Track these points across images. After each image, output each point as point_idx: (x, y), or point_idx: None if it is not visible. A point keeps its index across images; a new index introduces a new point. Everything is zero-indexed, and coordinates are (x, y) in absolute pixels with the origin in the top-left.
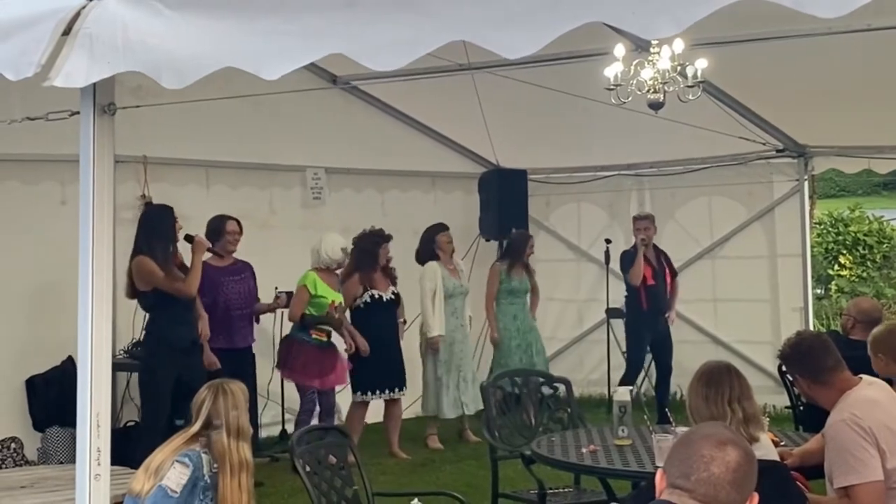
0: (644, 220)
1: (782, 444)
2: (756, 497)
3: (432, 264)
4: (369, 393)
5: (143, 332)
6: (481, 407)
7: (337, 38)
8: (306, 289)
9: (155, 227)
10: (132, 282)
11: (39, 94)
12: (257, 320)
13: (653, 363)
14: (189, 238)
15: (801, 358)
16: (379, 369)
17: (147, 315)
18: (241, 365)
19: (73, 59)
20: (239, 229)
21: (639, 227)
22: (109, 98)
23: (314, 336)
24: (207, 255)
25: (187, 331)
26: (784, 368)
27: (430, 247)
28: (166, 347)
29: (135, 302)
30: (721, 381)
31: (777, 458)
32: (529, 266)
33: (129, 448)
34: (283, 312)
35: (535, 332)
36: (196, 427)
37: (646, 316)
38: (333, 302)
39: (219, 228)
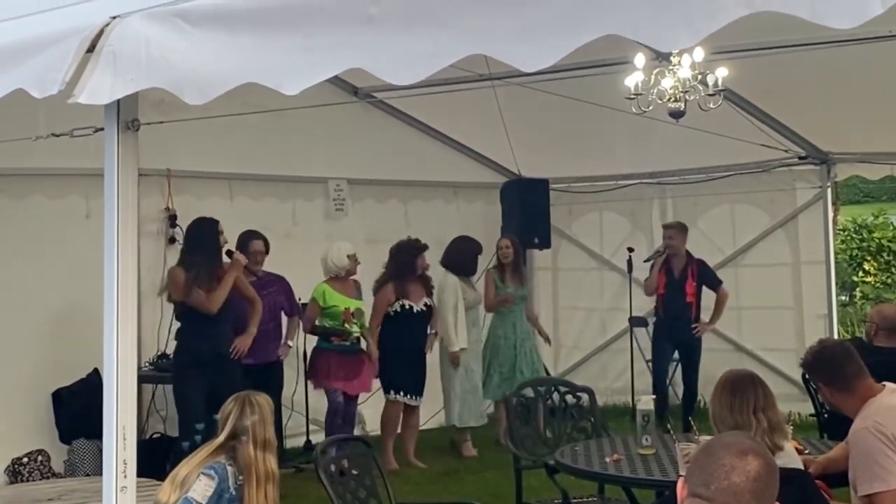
0: (668, 230)
1: (806, 452)
2: None
3: (452, 278)
4: (392, 392)
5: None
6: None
7: (357, 52)
8: (316, 302)
9: (195, 240)
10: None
11: (64, 109)
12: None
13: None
14: (230, 253)
15: (823, 366)
16: (402, 371)
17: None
18: (267, 379)
19: (97, 76)
20: (265, 249)
21: (664, 236)
22: (133, 114)
23: (336, 342)
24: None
25: (210, 344)
26: (807, 377)
27: (465, 258)
28: (190, 359)
29: (160, 314)
30: (745, 390)
31: (801, 466)
32: (524, 273)
33: (155, 460)
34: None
35: (532, 340)
36: (222, 438)
37: (663, 324)
38: (348, 309)
39: (244, 247)
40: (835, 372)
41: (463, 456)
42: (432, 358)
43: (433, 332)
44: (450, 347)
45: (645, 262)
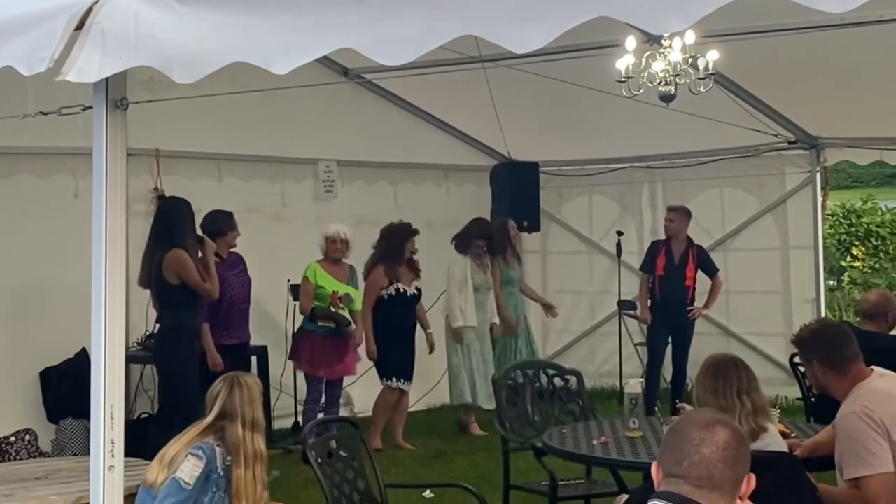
0: (671, 212)
1: (793, 435)
2: (753, 478)
3: (461, 258)
4: (385, 378)
5: (162, 326)
6: None
7: (347, 32)
8: (308, 280)
9: (186, 221)
10: (157, 273)
11: (53, 88)
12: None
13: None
14: (199, 239)
15: (822, 345)
16: (395, 357)
17: (162, 310)
18: (244, 360)
19: (86, 54)
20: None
21: (666, 218)
22: (122, 93)
23: (321, 324)
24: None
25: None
26: (798, 353)
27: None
28: (197, 343)
29: (148, 294)
30: (728, 373)
31: (786, 449)
32: (517, 254)
33: (142, 440)
34: (295, 305)
35: (526, 321)
36: (210, 419)
37: (658, 307)
38: (336, 292)
39: (226, 224)
40: (833, 352)
41: (472, 435)
42: (421, 342)
43: (430, 331)
44: (453, 323)
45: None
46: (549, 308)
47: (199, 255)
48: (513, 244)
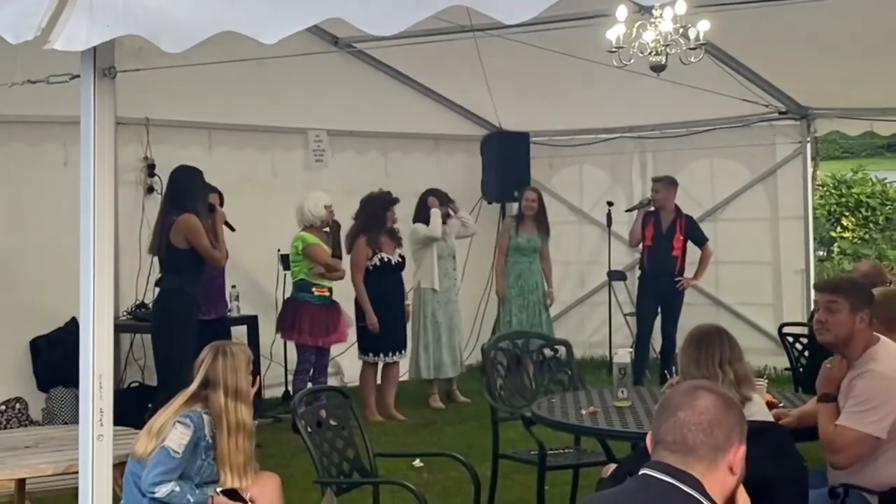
0: (656, 182)
1: (781, 405)
2: (742, 448)
3: (419, 225)
4: (371, 354)
5: (163, 289)
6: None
7: (337, 2)
8: (316, 245)
9: (198, 188)
10: (166, 236)
11: (42, 56)
12: None
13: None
14: (211, 207)
15: (871, 298)
16: (384, 332)
17: (164, 274)
18: (224, 334)
19: (73, 22)
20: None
21: (652, 189)
22: (110, 61)
23: (317, 293)
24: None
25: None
26: (839, 293)
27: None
28: (196, 308)
29: (138, 263)
30: (711, 343)
31: (771, 419)
32: (544, 225)
33: (133, 409)
34: (285, 275)
35: (539, 292)
36: (194, 386)
37: (647, 277)
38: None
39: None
40: (878, 308)
41: (431, 408)
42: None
43: (407, 303)
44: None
45: (627, 211)
46: (548, 295)
47: (210, 222)
48: (524, 213)
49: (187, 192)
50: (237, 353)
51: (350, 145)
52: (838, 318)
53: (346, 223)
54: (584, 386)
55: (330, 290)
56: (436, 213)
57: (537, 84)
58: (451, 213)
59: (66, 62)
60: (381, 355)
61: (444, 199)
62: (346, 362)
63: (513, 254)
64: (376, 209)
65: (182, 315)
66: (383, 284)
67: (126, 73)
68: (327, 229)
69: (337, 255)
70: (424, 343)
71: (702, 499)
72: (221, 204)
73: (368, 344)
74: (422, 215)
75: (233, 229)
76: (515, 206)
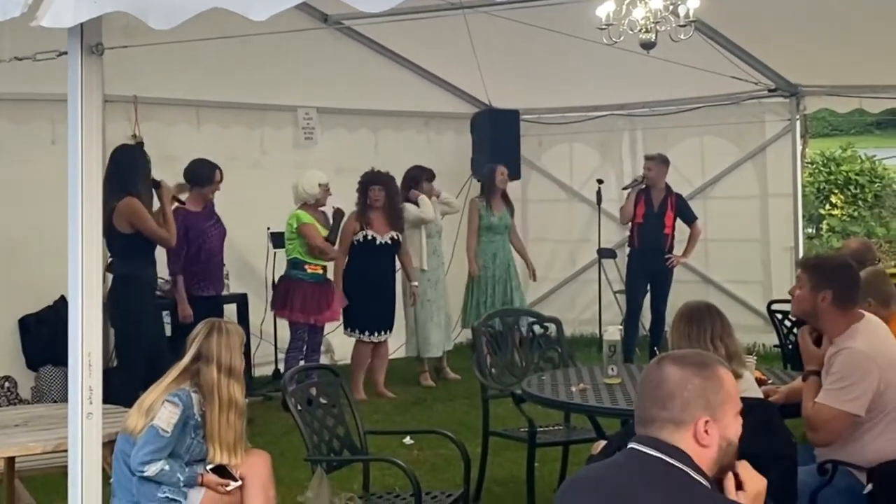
0: (648, 160)
1: (770, 382)
2: (713, 422)
3: (411, 206)
4: (357, 332)
5: (115, 275)
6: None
7: None
8: (309, 224)
9: (140, 168)
10: (108, 222)
11: (30, 33)
12: None
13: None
14: (156, 184)
15: (842, 279)
16: (368, 311)
17: (113, 259)
18: (218, 312)
19: None
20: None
21: (644, 167)
22: (97, 38)
23: (310, 271)
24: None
25: (155, 278)
26: (808, 274)
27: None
28: (151, 291)
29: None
30: (702, 319)
31: (760, 395)
32: (510, 201)
33: (123, 387)
34: (275, 253)
35: (512, 269)
36: (186, 360)
37: (637, 254)
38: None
39: (209, 176)
40: (849, 289)
41: (421, 386)
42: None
43: (415, 283)
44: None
45: (623, 189)
46: (531, 271)
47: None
48: (501, 190)
49: (128, 174)
50: (232, 332)
51: (340, 123)
52: (801, 293)
53: (337, 201)
54: (573, 363)
55: (324, 268)
56: (424, 199)
57: (527, 62)
58: (436, 196)
59: (53, 39)
60: (367, 334)
61: (430, 176)
62: (337, 340)
63: (486, 233)
64: (361, 188)
65: (134, 300)
66: (367, 262)
67: (114, 50)
68: (323, 208)
69: (331, 239)
70: (418, 321)
71: (688, 470)
72: (220, 180)
73: (354, 322)
74: (404, 195)
75: (182, 203)
76: (479, 185)
